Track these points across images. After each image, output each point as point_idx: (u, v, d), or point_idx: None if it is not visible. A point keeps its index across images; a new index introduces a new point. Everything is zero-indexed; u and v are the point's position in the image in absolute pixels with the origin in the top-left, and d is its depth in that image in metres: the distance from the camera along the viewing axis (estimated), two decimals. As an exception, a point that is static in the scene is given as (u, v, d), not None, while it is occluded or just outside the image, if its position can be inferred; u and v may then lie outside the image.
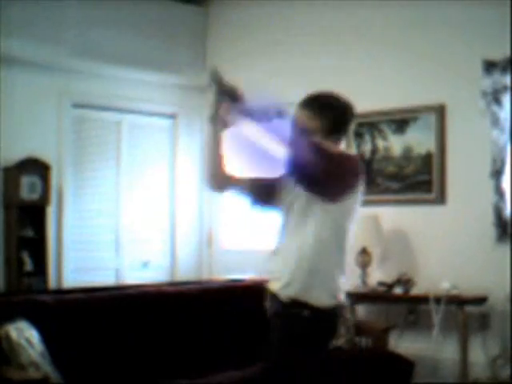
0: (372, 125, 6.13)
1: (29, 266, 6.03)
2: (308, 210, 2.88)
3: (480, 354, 5.39)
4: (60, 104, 6.42)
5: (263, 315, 2.87)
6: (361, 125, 6.14)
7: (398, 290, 5.58)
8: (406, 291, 5.55)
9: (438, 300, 5.28)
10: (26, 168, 6.04)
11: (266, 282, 3.00)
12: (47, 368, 3.43)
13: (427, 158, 5.82)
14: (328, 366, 2.98)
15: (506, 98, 5.41)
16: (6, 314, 3.54)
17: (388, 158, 6.06)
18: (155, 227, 7.09)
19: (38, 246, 6.11)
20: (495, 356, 5.31)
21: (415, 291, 5.54)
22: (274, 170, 3.00)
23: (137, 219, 6.92)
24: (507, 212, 5.41)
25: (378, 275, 5.88)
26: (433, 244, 5.76)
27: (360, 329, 4.79)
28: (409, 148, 5.93)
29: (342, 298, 2.98)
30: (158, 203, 7.12)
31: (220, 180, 3.08)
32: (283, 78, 6.63)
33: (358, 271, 5.82)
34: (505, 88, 5.40)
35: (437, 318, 5.30)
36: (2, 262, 5.97)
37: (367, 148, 6.17)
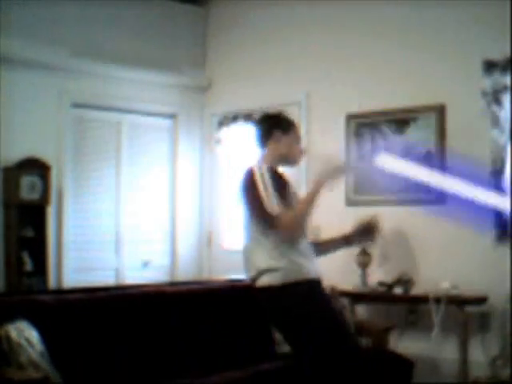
0: (372, 125, 6.13)
1: (29, 266, 6.02)
2: None
3: (480, 354, 5.39)
4: (60, 104, 6.41)
5: (263, 315, 2.87)
6: (361, 125, 6.14)
7: (397, 290, 5.58)
8: (406, 291, 5.55)
9: (438, 300, 5.28)
10: (25, 168, 6.04)
11: None
12: (47, 368, 3.42)
13: (427, 158, 5.82)
14: None
15: (506, 98, 5.41)
16: (6, 314, 3.54)
17: (388, 158, 6.05)
18: (155, 227, 7.09)
19: (37, 246, 6.10)
20: (495, 356, 5.31)
21: (415, 291, 5.54)
22: None
23: (137, 219, 6.92)
24: (507, 212, 5.41)
25: (378, 275, 5.88)
26: (433, 244, 5.75)
27: (360, 329, 4.79)
28: (409, 148, 5.93)
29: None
30: (158, 203, 7.12)
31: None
32: (283, 78, 6.64)
33: (358, 271, 5.83)
34: (505, 88, 5.40)
35: (437, 318, 5.30)
36: (2, 262, 5.96)
37: (367, 148, 6.16)
